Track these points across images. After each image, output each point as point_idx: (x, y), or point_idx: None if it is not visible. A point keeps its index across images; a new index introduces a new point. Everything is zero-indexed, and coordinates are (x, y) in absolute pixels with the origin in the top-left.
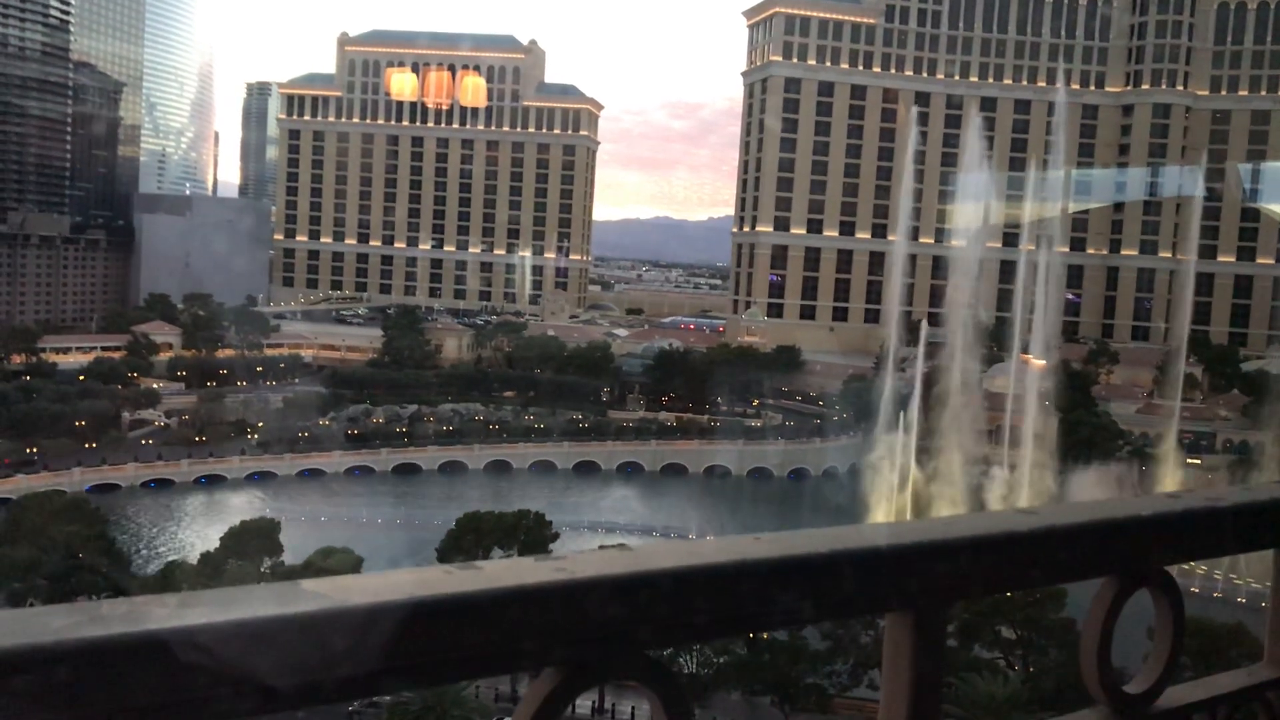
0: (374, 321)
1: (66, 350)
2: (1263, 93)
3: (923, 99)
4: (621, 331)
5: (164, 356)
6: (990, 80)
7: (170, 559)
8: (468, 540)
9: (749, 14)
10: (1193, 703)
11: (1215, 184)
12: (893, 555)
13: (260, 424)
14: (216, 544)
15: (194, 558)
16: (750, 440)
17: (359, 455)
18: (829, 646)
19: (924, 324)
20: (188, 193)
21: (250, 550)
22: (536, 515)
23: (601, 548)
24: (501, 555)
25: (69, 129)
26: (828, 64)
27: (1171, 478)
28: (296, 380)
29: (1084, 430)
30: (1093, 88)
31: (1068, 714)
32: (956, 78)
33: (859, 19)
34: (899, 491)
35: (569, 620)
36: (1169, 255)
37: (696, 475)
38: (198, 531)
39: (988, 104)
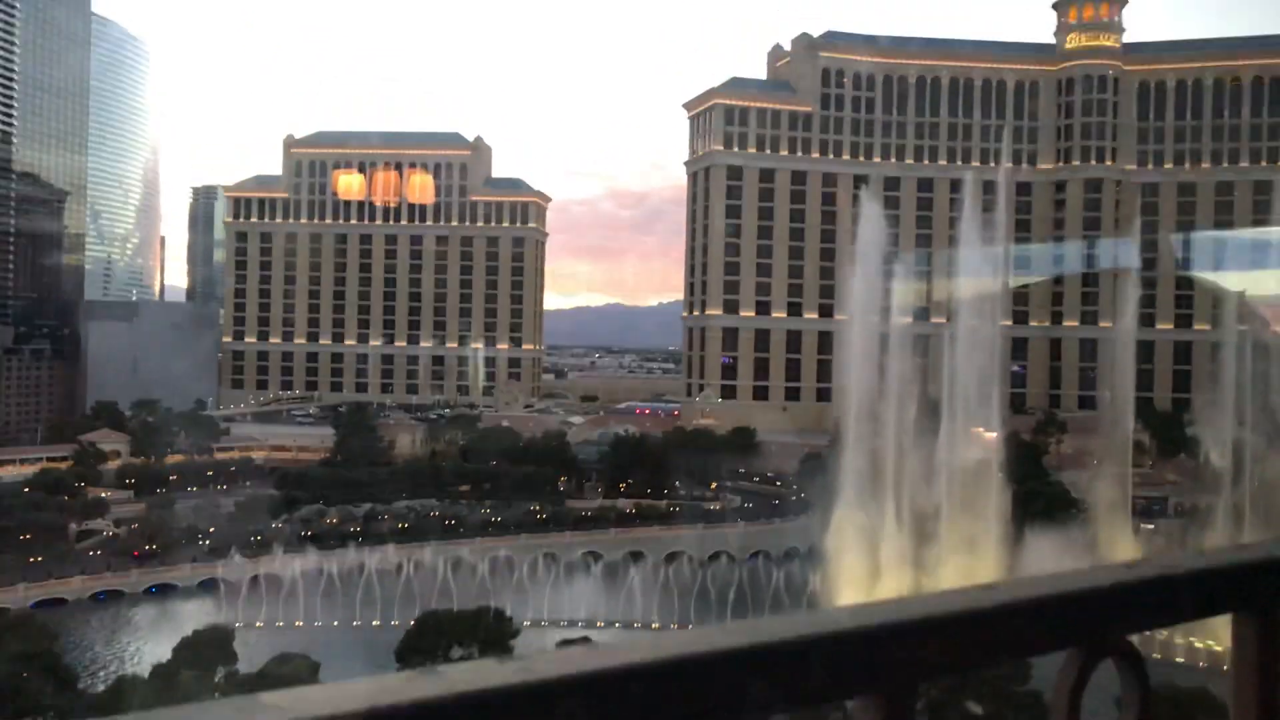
0: (325, 420)
1: (10, 463)
2: (1187, 166)
3: (861, 181)
4: (577, 419)
5: (112, 465)
6: (925, 162)
7: (121, 673)
8: (427, 640)
9: (689, 106)
10: None
11: (1149, 254)
12: (860, 638)
13: (212, 529)
14: (169, 655)
15: (145, 670)
16: (710, 524)
17: (313, 557)
18: None
19: (872, 401)
20: (134, 299)
21: (204, 660)
22: (496, 611)
23: (564, 642)
24: (461, 653)
25: (12, 240)
26: (767, 151)
27: (1128, 544)
28: (248, 483)
29: (1038, 501)
30: (1025, 165)
31: None
32: (893, 160)
33: (795, 108)
34: (861, 570)
35: None
36: (1109, 325)
37: (657, 562)
38: (149, 643)
39: (924, 184)
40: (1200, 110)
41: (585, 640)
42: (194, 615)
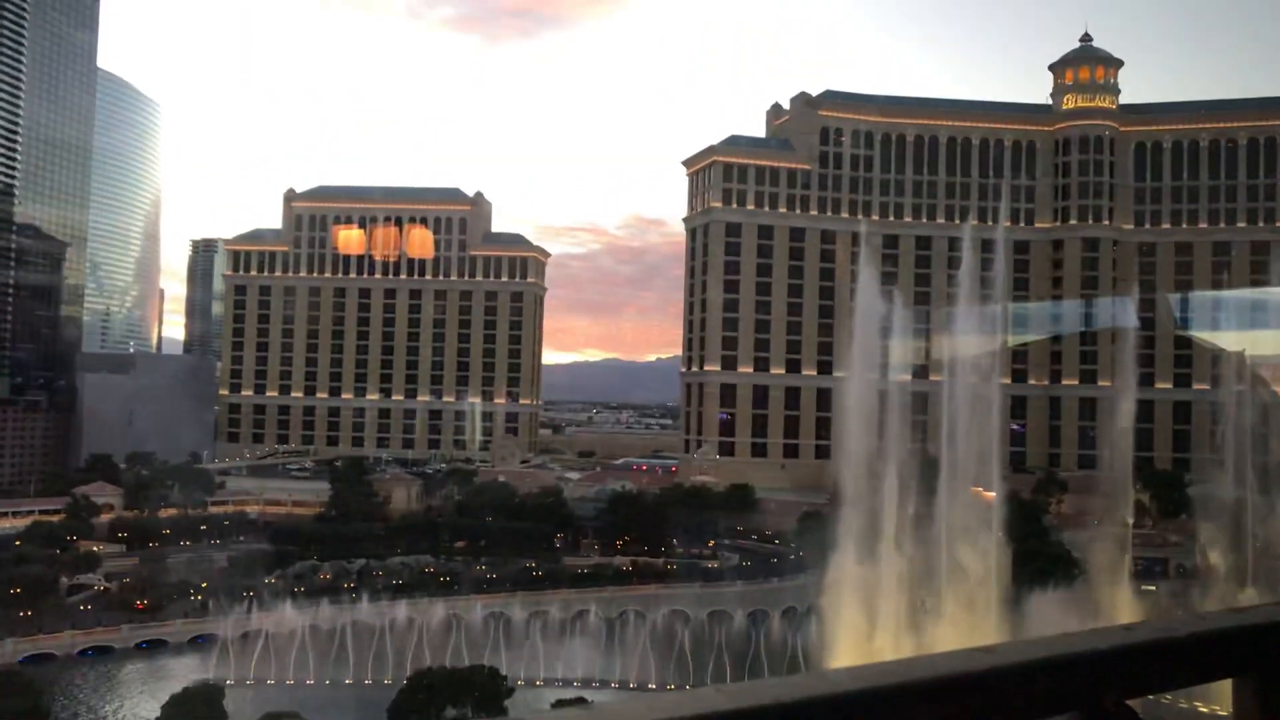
0: (321, 475)
1: (3, 515)
2: (1183, 225)
3: (859, 239)
4: (573, 475)
5: (105, 518)
6: (924, 220)
7: None
8: (419, 698)
9: (689, 163)
10: None
11: (1147, 314)
12: (857, 700)
13: (204, 584)
14: (157, 713)
15: None
16: (708, 582)
17: (306, 613)
18: None
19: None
20: (131, 351)
21: (193, 717)
22: (490, 670)
23: (558, 703)
24: (454, 713)
25: (11, 292)
26: (766, 209)
27: (1128, 605)
28: (241, 538)
29: (1038, 560)
30: (1023, 224)
31: None
32: (891, 218)
33: (794, 165)
34: (859, 630)
35: None
36: (1108, 384)
37: (654, 620)
38: (138, 699)
39: (922, 242)
40: (1197, 171)
41: (580, 701)
42: (184, 671)
